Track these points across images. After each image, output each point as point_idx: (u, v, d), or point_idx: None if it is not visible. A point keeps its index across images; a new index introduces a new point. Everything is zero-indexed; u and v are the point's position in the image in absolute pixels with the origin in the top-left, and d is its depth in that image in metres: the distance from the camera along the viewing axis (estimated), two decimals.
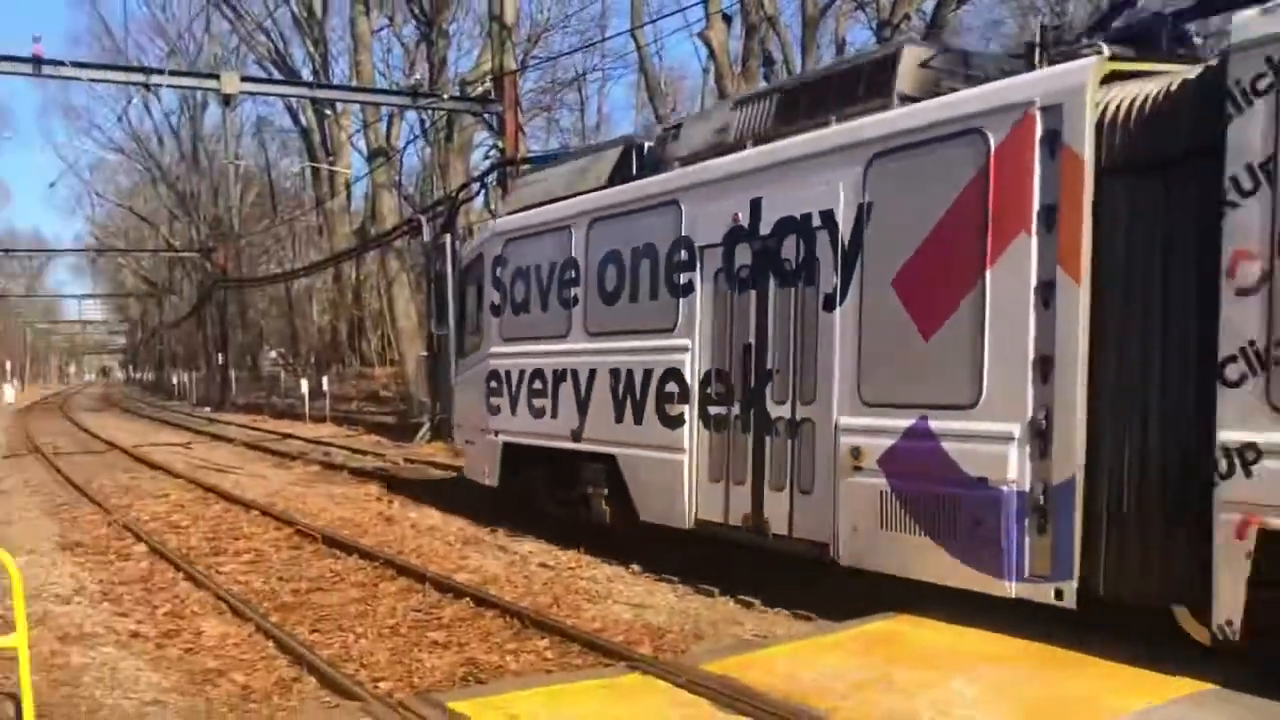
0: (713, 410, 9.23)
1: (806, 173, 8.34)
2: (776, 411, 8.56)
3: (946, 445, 7.10)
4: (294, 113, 42.71)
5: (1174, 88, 6.20)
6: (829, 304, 8.08)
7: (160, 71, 24.08)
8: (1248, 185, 5.58)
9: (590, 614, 8.67)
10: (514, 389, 12.34)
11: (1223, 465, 5.61)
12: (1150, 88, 6.32)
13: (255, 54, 42.10)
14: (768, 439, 8.64)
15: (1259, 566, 5.48)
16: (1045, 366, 6.52)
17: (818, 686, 5.84)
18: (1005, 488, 6.68)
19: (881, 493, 7.55)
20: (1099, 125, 6.38)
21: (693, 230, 9.47)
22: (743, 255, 8.95)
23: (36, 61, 19.92)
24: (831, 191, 8.03)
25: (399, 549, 11.55)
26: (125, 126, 55.20)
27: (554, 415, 11.51)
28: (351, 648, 7.80)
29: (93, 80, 23.65)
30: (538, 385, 11.85)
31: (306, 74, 38.54)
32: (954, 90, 7.66)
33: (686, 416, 9.48)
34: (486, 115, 25.54)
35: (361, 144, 39.55)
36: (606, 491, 10.77)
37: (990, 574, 6.77)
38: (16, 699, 6.08)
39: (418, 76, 31.58)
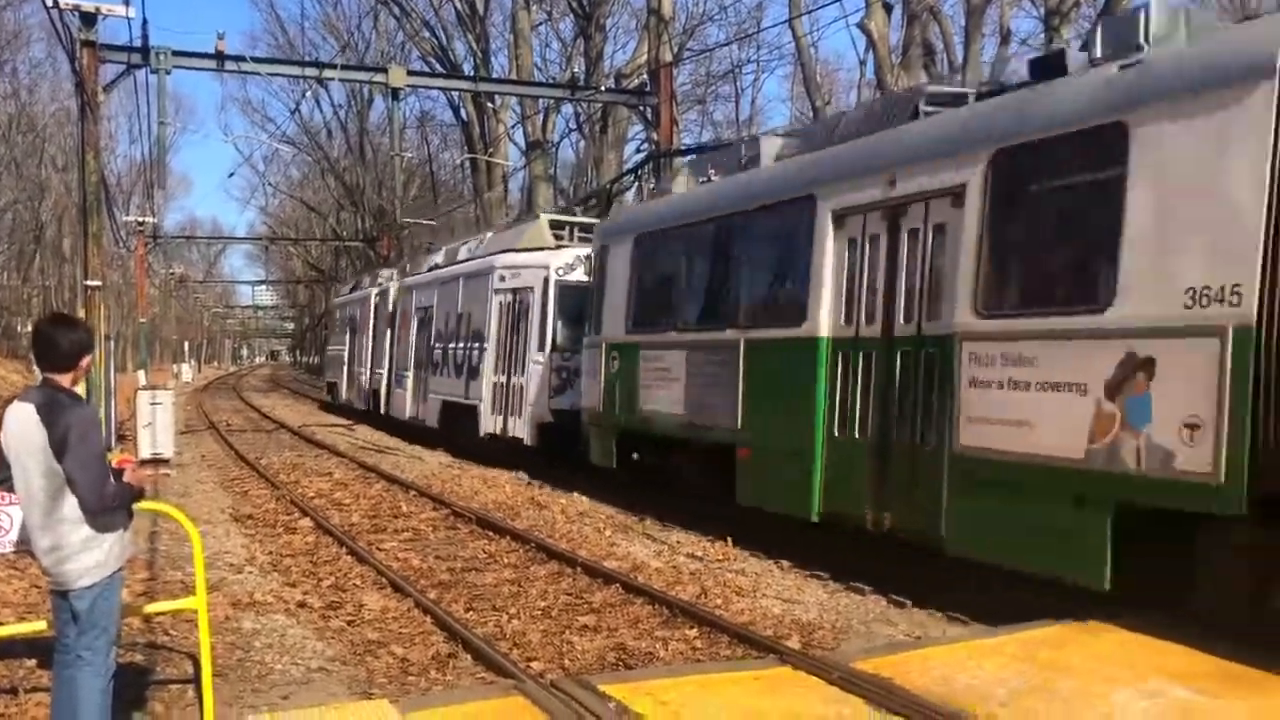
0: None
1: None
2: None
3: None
4: (455, 107, 43.75)
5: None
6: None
7: (332, 66, 25.02)
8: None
9: (739, 606, 8.62)
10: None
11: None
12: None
13: (420, 50, 43.29)
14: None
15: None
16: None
17: (975, 691, 5.66)
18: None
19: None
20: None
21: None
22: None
23: (220, 57, 20.93)
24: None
25: (549, 533, 11.73)
26: (297, 120, 57.57)
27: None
28: (505, 627, 7.95)
29: (271, 75, 24.80)
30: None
31: (468, 69, 39.49)
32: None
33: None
34: (641, 108, 25.65)
35: (519, 137, 40.41)
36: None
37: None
38: (196, 658, 6.42)
39: (575, 70, 32.01)
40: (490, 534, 11.77)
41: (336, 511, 13.42)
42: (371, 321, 29.43)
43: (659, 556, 10.64)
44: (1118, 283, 6.96)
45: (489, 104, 38.02)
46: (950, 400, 8.23)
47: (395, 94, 22.79)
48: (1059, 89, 7.92)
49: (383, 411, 27.21)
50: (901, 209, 9.16)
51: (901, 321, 9.06)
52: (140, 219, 47.72)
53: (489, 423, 18.89)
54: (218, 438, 24.76)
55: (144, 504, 5.12)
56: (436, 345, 22.58)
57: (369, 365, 29.09)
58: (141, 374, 41.34)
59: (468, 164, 45.10)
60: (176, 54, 20.31)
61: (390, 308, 27.45)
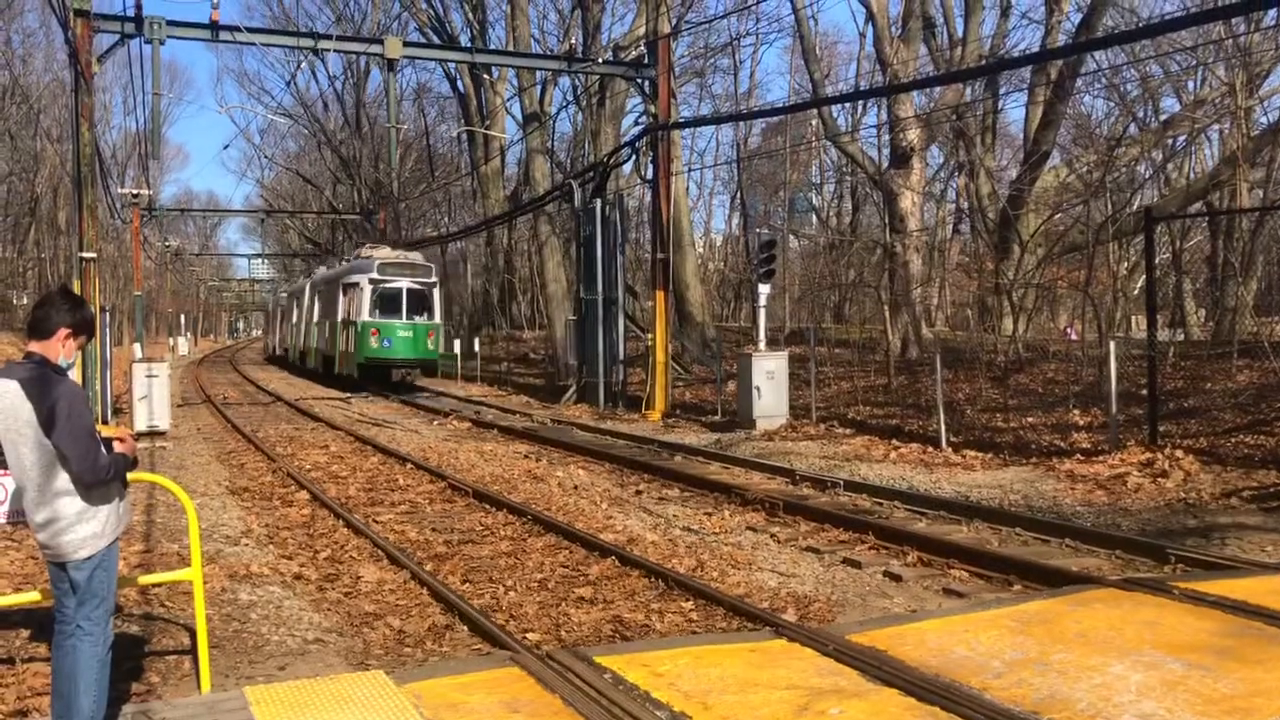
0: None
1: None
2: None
3: None
4: (452, 79, 43.63)
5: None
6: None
7: (328, 37, 24.85)
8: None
9: (735, 579, 8.64)
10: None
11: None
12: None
13: (416, 21, 43.06)
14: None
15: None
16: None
17: (971, 664, 5.67)
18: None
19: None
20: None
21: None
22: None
23: (214, 27, 20.77)
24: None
25: (546, 506, 11.74)
26: (293, 92, 57.31)
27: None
28: (501, 599, 7.97)
29: (265, 45, 24.66)
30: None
31: (465, 40, 39.27)
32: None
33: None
34: (639, 80, 25.50)
35: (516, 110, 40.25)
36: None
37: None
38: (192, 630, 6.42)
39: (572, 42, 31.78)
40: (487, 507, 11.79)
41: (333, 484, 13.42)
42: (276, 312, 61.97)
43: (655, 530, 10.66)
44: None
45: (486, 76, 37.86)
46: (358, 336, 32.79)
47: (391, 65, 22.64)
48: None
49: (277, 354, 55.73)
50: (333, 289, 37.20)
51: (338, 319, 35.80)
52: (135, 191, 47.53)
53: (278, 350, 55.14)
54: (214, 411, 24.75)
55: (139, 475, 5.11)
56: (282, 324, 53.76)
57: (275, 334, 59.42)
58: (137, 347, 41.30)
59: (464, 137, 44.90)
60: (170, 24, 20.19)
61: (273, 306, 63.97)
